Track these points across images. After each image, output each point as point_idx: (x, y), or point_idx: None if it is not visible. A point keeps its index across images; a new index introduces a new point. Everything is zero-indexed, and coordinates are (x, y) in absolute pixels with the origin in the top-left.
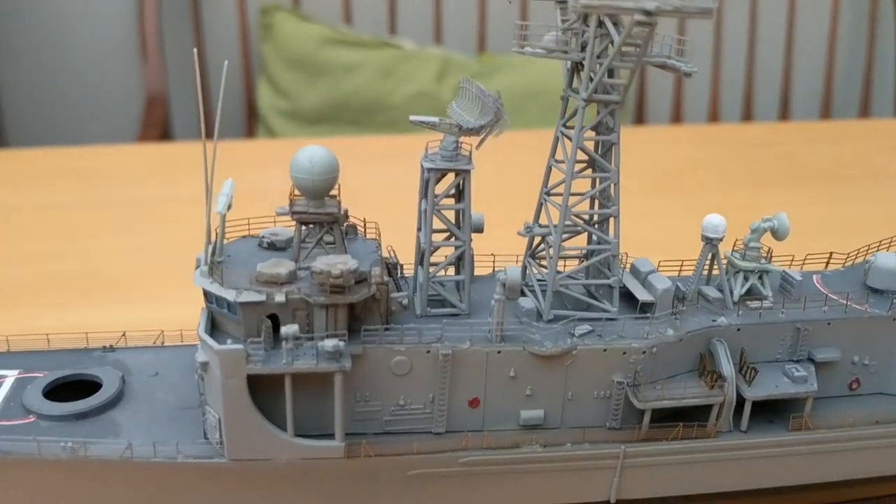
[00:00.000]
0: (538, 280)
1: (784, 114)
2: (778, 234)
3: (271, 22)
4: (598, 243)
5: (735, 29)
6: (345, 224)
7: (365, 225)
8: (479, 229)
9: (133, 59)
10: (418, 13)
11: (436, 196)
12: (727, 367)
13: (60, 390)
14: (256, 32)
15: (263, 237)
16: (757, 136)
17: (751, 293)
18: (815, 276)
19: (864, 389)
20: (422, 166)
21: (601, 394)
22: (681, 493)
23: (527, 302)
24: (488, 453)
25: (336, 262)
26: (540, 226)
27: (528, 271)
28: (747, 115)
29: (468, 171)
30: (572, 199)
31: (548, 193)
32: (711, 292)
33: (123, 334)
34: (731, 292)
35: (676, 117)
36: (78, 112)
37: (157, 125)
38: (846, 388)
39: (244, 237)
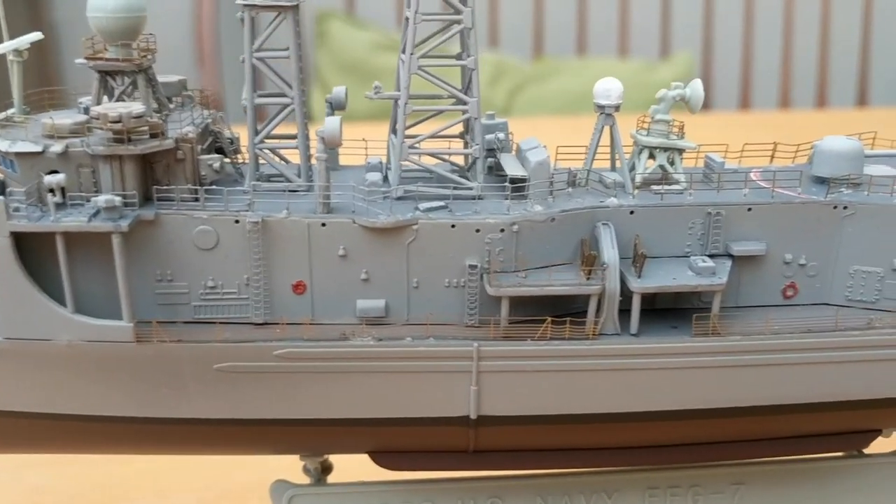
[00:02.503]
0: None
1: None
2: (691, 104)
3: (326, 29)
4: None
5: None
6: (182, 94)
7: (209, 99)
8: (340, 106)
9: (190, 63)
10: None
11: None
12: (610, 253)
13: None
14: (311, 40)
15: (81, 102)
16: None
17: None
18: (753, 170)
19: (802, 298)
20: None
21: (454, 282)
22: (559, 410)
23: (374, 176)
24: (308, 345)
25: (116, 107)
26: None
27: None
28: None
29: (295, 7)
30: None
31: (402, 50)
32: (614, 177)
33: None
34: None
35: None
36: None
37: None
38: (780, 295)
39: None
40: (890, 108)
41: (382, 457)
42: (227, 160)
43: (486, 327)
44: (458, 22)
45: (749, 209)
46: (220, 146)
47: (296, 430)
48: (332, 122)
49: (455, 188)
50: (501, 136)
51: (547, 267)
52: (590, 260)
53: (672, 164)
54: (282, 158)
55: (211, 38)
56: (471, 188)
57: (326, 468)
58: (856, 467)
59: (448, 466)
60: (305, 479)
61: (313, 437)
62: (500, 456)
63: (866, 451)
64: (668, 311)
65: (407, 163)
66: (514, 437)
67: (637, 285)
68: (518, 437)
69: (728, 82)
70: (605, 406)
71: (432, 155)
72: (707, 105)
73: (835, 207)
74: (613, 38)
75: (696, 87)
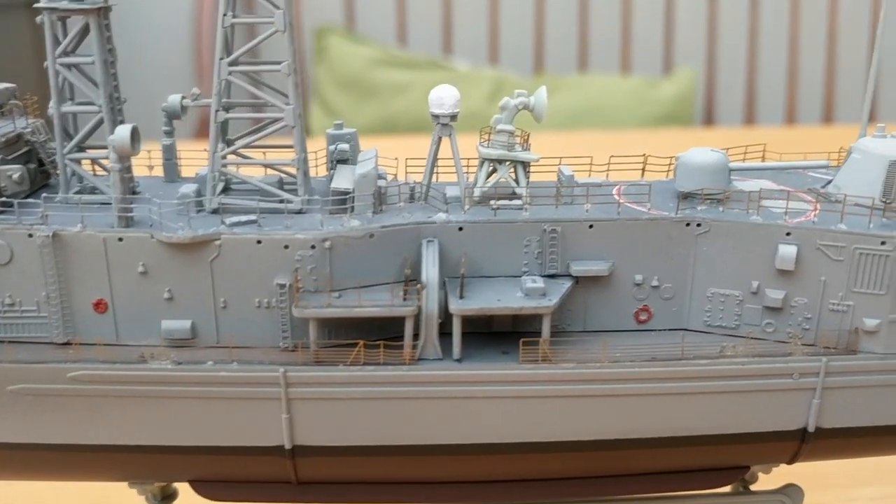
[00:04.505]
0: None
1: None
2: (535, 113)
3: (325, 45)
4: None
5: None
6: (9, 102)
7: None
8: (175, 114)
9: (189, 78)
10: (474, 33)
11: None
12: (430, 272)
13: None
14: (311, 55)
15: None
16: None
17: None
18: (618, 185)
19: (658, 323)
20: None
21: (264, 302)
22: (379, 441)
23: (189, 188)
24: (103, 367)
25: None
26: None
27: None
28: None
29: (102, 10)
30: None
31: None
32: (456, 190)
33: None
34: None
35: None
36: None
37: None
38: (632, 319)
39: None
40: None
41: (202, 486)
42: (16, 168)
43: (301, 352)
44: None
45: (590, 226)
46: (41, 158)
47: (102, 457)
48: (121, 131)
49: (282, 201)
50: (344, 146)
51: (369, 287)
52: (406, 279)
53: (517, 177)
54: (104, 170)
55: (210, 53)
56: (291, 202)
57: (168, 496)
58: None
59: (270, 498)
60: None
61: (123, 464)
62: (327, 488)
63: (753, 487)
64: (517, 335)
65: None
66: (336, 469)
67: (456, 307)
68: (341, 468)
69: (732, 98)
70: (430, 437)
71: (267, 166)
72: (711, 120)
73: (687, 225)
74: (615, 53)
75: (541, 96)
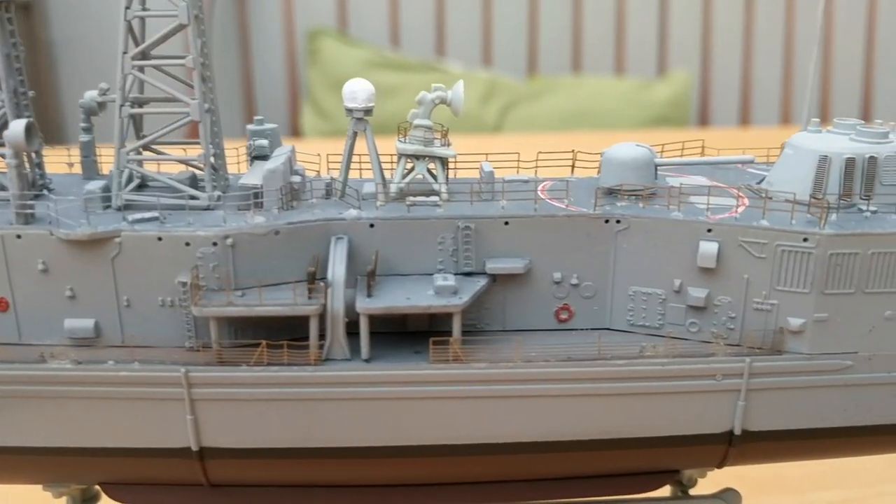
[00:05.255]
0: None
1: None
2: (453, 107)
3: (318, 47)
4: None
5: None
6: None
7: None
8: (92, 111)
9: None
10: (468, 35)
11: None
12: (337, 270)
13: None
14: (304, 58)
15: None
16: None
17: None
18: (544, 182)
19: (580, 322)
20: None
21: (168, 300)
22: (288, 443)
23: (97, 184)
24: (1, 367)
25: None
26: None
27: None
28: None
29: (3, 3)
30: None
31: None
32: (374, 187)
33: None
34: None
35: None
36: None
37: None
38: (553, 318)
39: None
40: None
41: (112, 489)
42: None
43: (203, 352)
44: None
45: (506, 223)
46: None
47: (9, 460)
48: (15, 127)
49: (191, 198)
50: (263, 142)
51: (276, 285)
52: (310, 277)
53: (435, 173)
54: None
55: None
56: (197, 198)
57: (89, 499)
58: None
59: (181, 501)
60: None
61: (32, 467)
62: (240, 491)
63: (692, 491)
64: (433, 334)
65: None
66: (247, 472)
67: (362, 306)
68: (252, 471)
69: (728, 99)
70: (339, 440)
71: (182, 162)
72: (706, 121)
73: (606, 221)
74: (610, 55)
75: (458, 90)
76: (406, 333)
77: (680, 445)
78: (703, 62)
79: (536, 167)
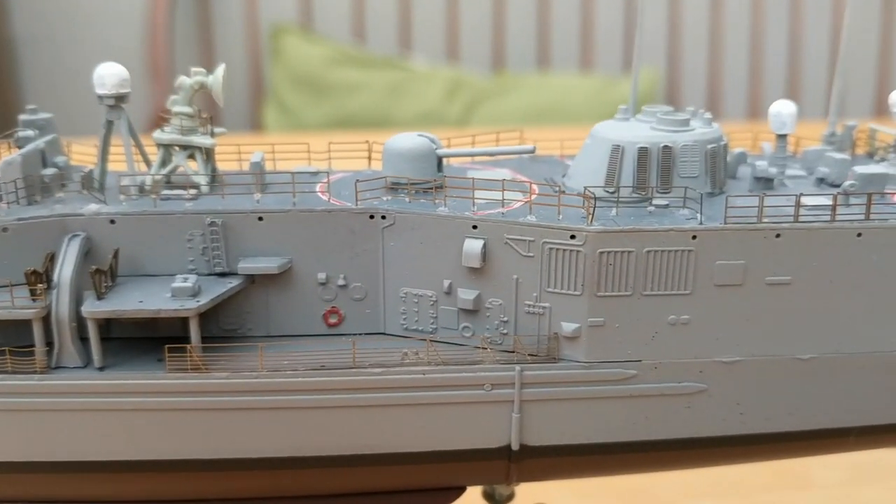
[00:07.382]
0: None
1: None
2: (213, 93)
3: (281, 46)
4: None
5: None
6: None
7: None
8: None
9: (142, 77)
10: (433, 30)
11: None
12: (64, 270)
13: None
14: (267, 55)
15: None
16: None
17: None
18: (335, 175)
19: (352, 327)
20: None
21: None
22: (23, 457)
23: None
24: None
25: None
26: None
27: None
28: None
29: None
30: None
31: None
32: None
33: None
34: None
35: None
36: (89, 132)
37: None
38: (322, 322)
39: None
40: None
41: None
42: None
43: None
44: None
45: (259, 218)
46: None
47: None
48: None
49: None
50: (28, 133)
51: (3, 287)
52: (31, 279)
53: (199, 164)
54: None
55: (165, 52)
56: None
57: None
58: None
59: None
60: None
61: None
62: None
63: None
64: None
65: None
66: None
67: (87, 309)
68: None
69: (695, 95)
70: (76, 453)
71: None
72: None
73: (371, 217)
74: (575, 52)
75: (217, 75)
76: (160, 339)
77: (459, 461)
78: (670, 58)
79: (329, 158)
